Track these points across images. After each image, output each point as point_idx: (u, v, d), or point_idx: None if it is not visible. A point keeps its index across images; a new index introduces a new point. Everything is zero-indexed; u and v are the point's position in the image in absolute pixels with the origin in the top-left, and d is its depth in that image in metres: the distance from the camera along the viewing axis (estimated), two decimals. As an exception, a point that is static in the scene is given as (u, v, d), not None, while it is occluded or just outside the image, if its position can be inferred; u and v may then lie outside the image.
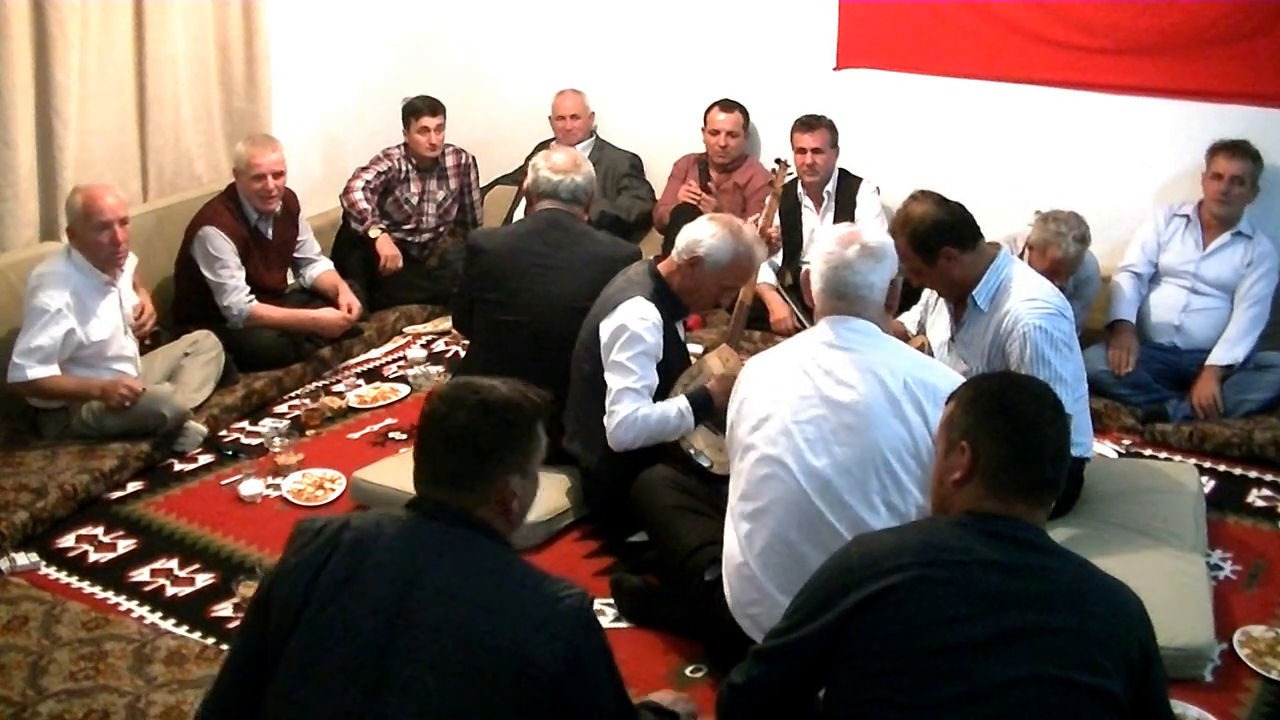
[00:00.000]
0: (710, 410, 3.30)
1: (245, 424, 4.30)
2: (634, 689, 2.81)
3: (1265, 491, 3.85)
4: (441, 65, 5.90)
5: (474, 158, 5.55)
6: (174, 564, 3.43)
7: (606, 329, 3.34)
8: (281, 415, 4.37)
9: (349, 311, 4.84)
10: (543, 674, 1.79)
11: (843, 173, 5.06)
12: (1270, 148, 4.37)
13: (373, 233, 5.19)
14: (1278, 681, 2.89)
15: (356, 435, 4.22)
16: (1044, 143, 4.91)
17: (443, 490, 1.93)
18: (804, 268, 3.22)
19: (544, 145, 5.61)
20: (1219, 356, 4.27)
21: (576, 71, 5.69)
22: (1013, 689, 1.80)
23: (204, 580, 3.35)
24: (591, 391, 3.39)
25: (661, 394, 3.35)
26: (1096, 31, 4.69)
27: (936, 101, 5.07)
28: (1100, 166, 4.82)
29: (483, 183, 5.70)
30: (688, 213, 4.60)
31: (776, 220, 4.81)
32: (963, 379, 2.83)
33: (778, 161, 4.67)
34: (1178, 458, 4.02)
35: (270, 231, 4.69)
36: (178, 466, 3.98)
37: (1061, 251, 4.11)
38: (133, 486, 3.83)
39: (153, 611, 3.20)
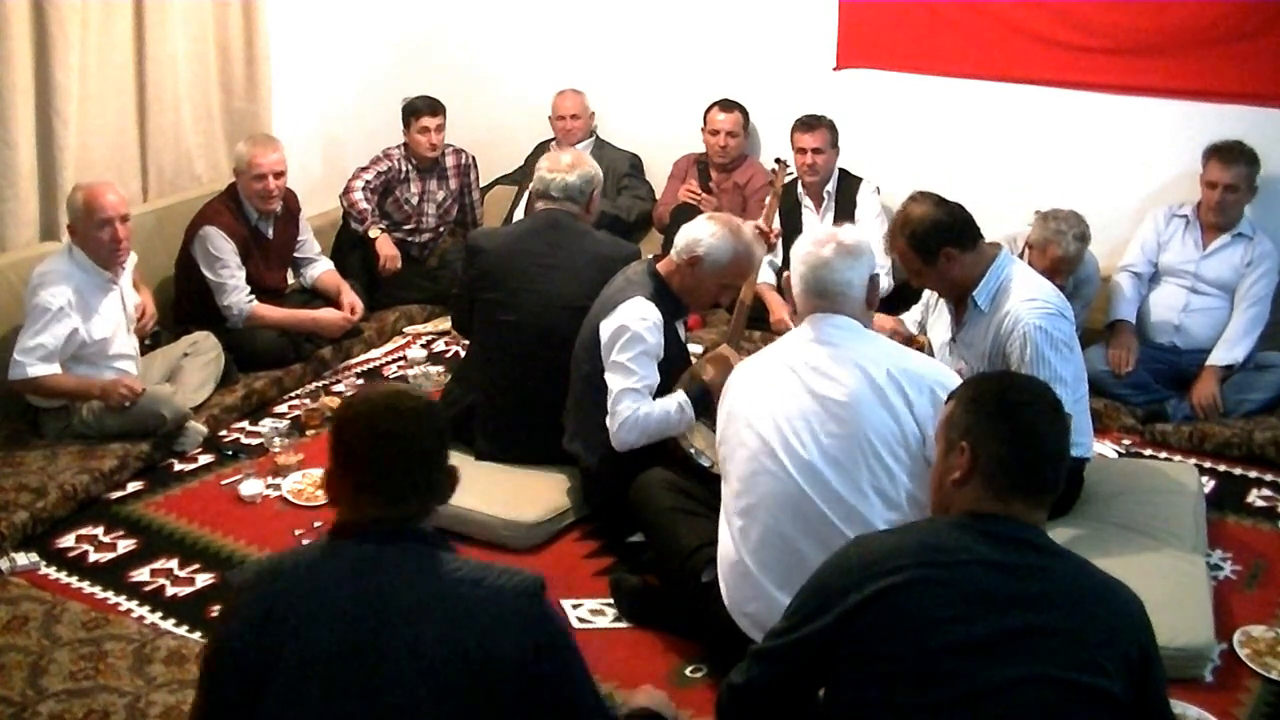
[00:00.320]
0: (709, 402, 3.30)
1: (245, 424, 4.30)
2: (633, 689, 2.83)
3: (1265, 491, 3.86)
4: (441, 65, 5.90)
5: (474, 158, 5.55)
6: (174, 564, 3.43)
7: (606, 329, 3.34)
8: (281, 415, 4.37)
9: (352, 311, 4.84)
10: (513, 668, 1.76)
11: (843, 173, 5.06)
12: (1270, 148, 4.36)
13: (372, 233, 5.19)
14: (1278, 681, 2.89)
15: (356, 435, 4.22)
16: (1044, 143, 4.91)
17: (380, 506, 1.86)
18: (785, 273, 3.24)
19: (544, 145, 5.62)
20: (1219, 356, 4.27)
21: (576, 71, 5.69)
22: (1012, 689, 1.80)
23: (204, 580, 3.35)
24: (591, 391, 3.39)
25: (661, 394, 3.34)
26: (1096, 31, 4.69)
27: (936, 101, 5.07)
28: (1100, 166, 4.82)
29: (483, 183, 5.70)
30: (688, 213, 4.59)
31: (777, 220, 4.81)
32: (943, 367, 2.88)
33: (778, 161, 4.68)
34: (1178, 458, 4.02)
35: (271, 231, 4.69)
36: (178, 466, 3.98)
37: (1062, 250, 4.11)
38: (133, 486, 3.83)
39: (153, 611, 3.20)
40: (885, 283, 4.82)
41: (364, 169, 5.28)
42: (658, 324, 3.33)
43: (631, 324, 3.30)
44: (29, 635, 2.94)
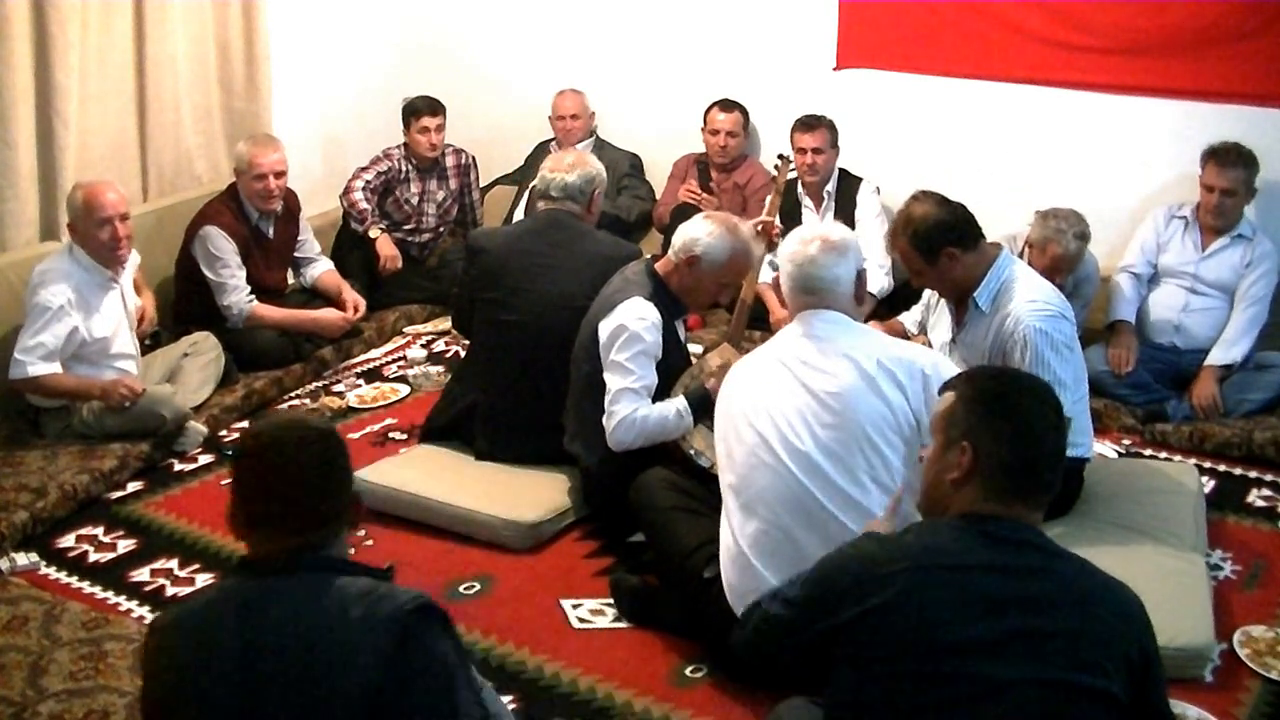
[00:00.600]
0: (709, 408, 3.30)
1: (245, 424, 4.29)
2: (634, 689, 2.83)
3: (1265, 491, 3.85)
4: (441, 65, 5.89)
5: (474, 158, 5.56)
6: (174, 564, 3.43)
7: (605, 329, 3.34)
8: (281, 415, 4.38)
9: (355, 310, 4.85)
10: (364, 701, 1.71)
11: (843, 173, 5.05)
12: (1269, 148, 4.35)
13: (373, 233, 5.19)
14: (1278, 681, 2.89)
15: (357, 435, 4.22)
16: (1044, 143, 4.91)
17: (276, 539, 1.85)
18: (774, 272, 3.27)
19: (544, 145, 5.62)
20: (1218, 356, 4.27)
21: (576, 71, 5.69)
22: (1013, 690, 1.80)
23: (204, 580, 3.35)
24: (591, 391, 3.38)
25: (662, 394, 3.34)
26: (1096, 31, 4.68)
27: (936, 101, 5.07)
28: (1100, 166, 4.81)
29: (483, 183, 5.70)
30: (688, 213, 4.57)
31: (778, 220, 4.81)
32: (932, 352, 2.91)
33: (780, 157, 4.67)
34: (1178, 458, 4.02)
35: (271, 231, 4.69)
36: (178, 466, 3.98)
37: (1062, 248, 4.11)
38: (133, 486, 3.83)
39: (153, 611, 3.20)
40: (885, 282, 4.84)
41: (364, 169, 5.28)
42: (656, 324, 3.33)
43: (630, 324, 3.30)
44: (29, 635, 2.94)
